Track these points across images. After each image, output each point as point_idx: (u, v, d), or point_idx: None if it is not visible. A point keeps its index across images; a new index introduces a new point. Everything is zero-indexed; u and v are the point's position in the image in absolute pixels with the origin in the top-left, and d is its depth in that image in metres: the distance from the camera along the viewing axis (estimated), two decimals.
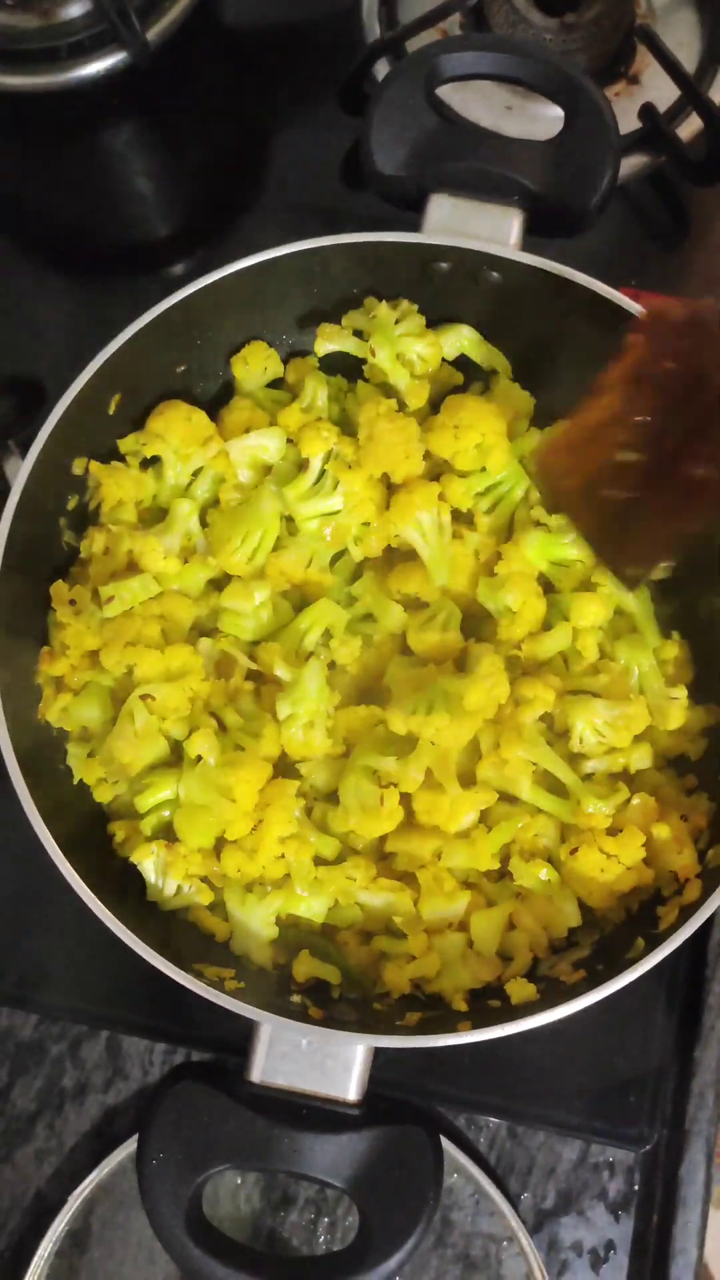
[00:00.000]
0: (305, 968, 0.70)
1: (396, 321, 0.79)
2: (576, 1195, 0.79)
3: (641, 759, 0.72)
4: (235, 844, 0.71)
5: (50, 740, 0.75)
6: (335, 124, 0.99)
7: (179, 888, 0.70)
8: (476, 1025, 0.63)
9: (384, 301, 0.79)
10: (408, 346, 0.78)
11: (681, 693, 0.73)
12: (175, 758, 0.74)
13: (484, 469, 0.75)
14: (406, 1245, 0.60)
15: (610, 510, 0.61)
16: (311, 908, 0.70)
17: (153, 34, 0.95)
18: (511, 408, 0.78)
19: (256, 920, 0.70)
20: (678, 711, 0.72)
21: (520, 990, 0.67)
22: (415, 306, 0.79)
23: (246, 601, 0.75)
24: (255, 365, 0.81)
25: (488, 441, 0.74)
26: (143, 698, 0.72)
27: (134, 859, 0.71)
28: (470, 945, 0.70)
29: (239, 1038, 0.65)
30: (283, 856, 0.70)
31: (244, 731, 0.72)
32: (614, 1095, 0.79)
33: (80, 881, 0.65)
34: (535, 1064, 0.78)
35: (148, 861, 0.70)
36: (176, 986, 0.63)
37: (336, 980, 0.70)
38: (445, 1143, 0.77)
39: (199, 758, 0.71)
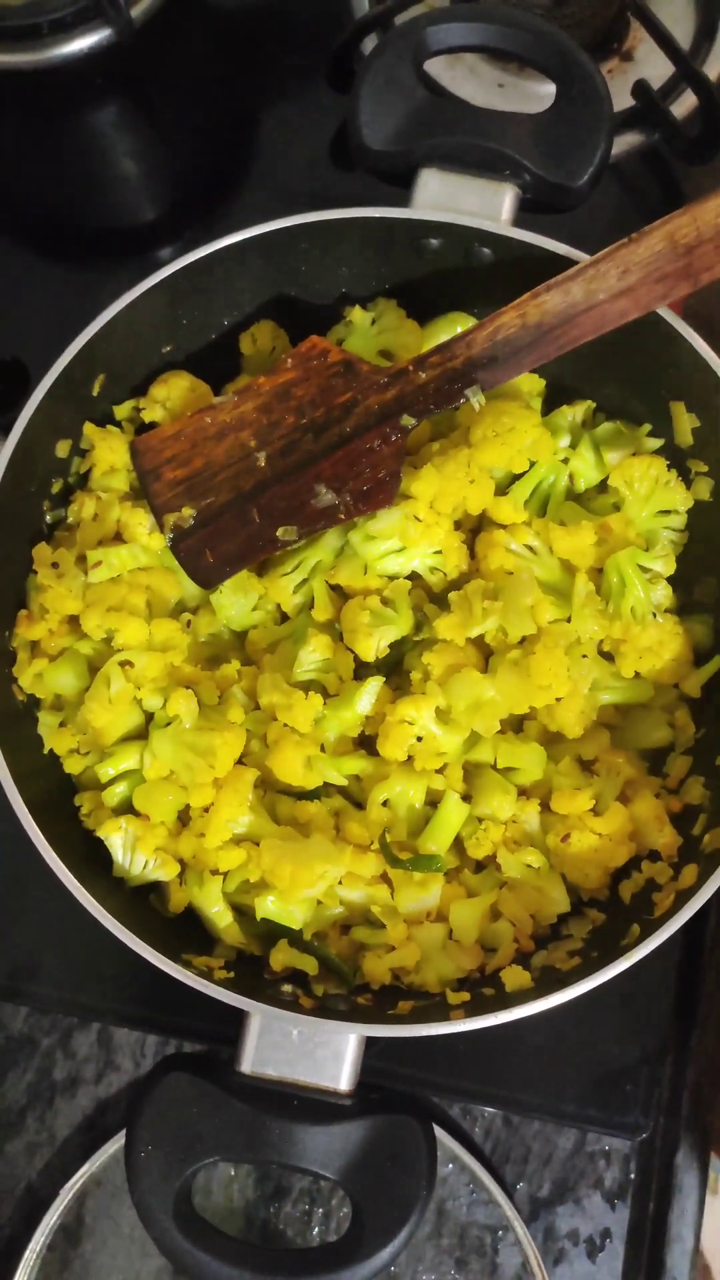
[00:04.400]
0: (283, 957, 0.69)
1: (373, 322, 0.79)
2: (573, 1184, 0.79)
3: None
4: (188, 827, 0.70)
5: (21, 708, 0.74)
6: (323, 102, 0.99)
7: (145, 863, 0.70)
8: (470, 1014, 0.63)
9: (357, 306, 0.79)
10: (389, 340, 0.78)
11: (669, 617, 0.73)
12: (144, 731, 0.73)
13: (532, 465, 0.74)
14: (399, 1237, 0.60)
15: (212, 507, 0.70)
16: (293, 916, 0.69)
17: (137, 11, 0.94)
18: (525, 393, 0.78)
19: (211, 905, 0.70)
20: (670, 639, 0.72)
21: (515, 978, 0.67)
22: (393, 302, 0.79)
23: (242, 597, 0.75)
24: (263, 343, 0.81)
25: (531, 435, 0.73)
26: (121, 664, 0.71)
27: (101, 834, 0.70)
28: (450, 935, 0.70)
29: (231, 1028, 0.64)
30: (238, 845, 0.69)
31: (216, 710, 0.72)
32: (610, 1083, 0.78)
33: (56, 857, 0.64)
34: (530, 1052, 0.78)
35: (115, 837, 0.70)
36: (167, 977, 0.63)
37: (313, 971, 0.69)
38: (440, 1132, 0.77)
39: (170, 721, 0.70)
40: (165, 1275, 0.77)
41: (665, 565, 0.74)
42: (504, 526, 0.74)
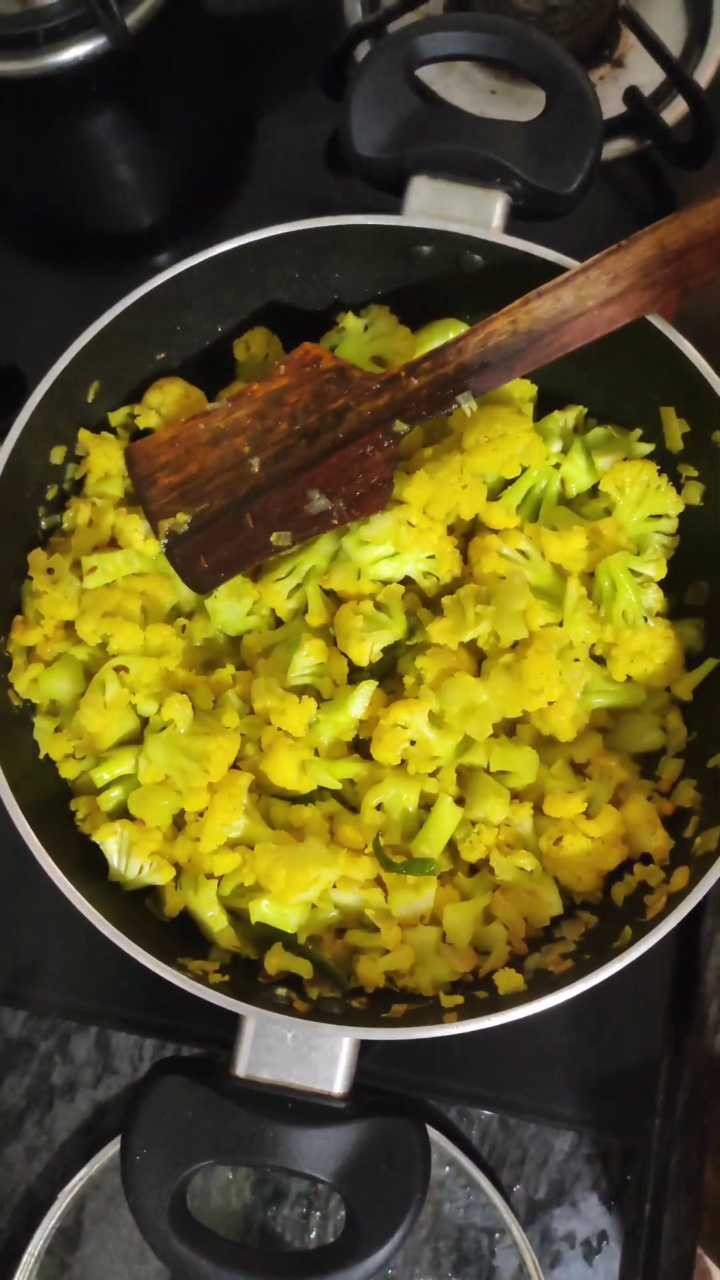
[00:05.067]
0: (277, 960, 0.69)
1: (366, 328, 0.79)
2: (569, 1186, 0.79)
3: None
4: (183, 831, 0.71)
5: (17, 713, 0.74)
6: (318, 109, 0.99)
7: (141, 867, 0.70)
8: (464, 1016, 0.63)
9: (349, 312, 0.80)
10: (382, 347, 0.79)
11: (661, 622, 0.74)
12: (139, 736, 0.73)
13: (524, 470, 0.75)
14: (394, 1239, 0.60)
15: (207, 513, 0.72)
16: (288, 920, 0.69)
17: (132, 19, 0.94)
18: (517, 399, 0.78)
19: (206, 909, 0.70)
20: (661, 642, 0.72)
21: (508, 981, 0.67)
22: (385, 308, 0.80)
23: (236, 602, 0.75)
24: (257, 350, 0.81)
25: (523, 441, 0.73)
26: (116, 669, 0.72)
27: (96, 838, 0.70)
28: (444, 938, 0.70)
29: (227, 1032, 0.64)
30: (233, 849, 0.70)
31: (211, 714, 0.72)
32: (606, 1086, 0.78)
33: (51, 861, 0.64)
34: (526, 1055, 0.78)
35: (111, 841, 0.70)
36: (164, 981, 0.63)
37: (308, 974, 0.69)
38: (437, 1135, 0.77)
39: (165, 726, 0.71)
40: (163, 1279, 0.78)
41: (656, 569, 0.75)
42: (496, 531, 0.75)
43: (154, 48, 0.97)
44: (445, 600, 0.73)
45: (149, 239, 1.01)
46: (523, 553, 0.74)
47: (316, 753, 0.72)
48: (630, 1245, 0.78)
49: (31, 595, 0.74)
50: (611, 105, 0.94)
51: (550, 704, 0.70)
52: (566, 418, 0.79)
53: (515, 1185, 0.79)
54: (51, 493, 0.78)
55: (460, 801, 0.71)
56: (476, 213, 0.73)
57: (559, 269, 0.70)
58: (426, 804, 0.72)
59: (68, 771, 0.74)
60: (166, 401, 0.78)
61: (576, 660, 0.72)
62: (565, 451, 0.77)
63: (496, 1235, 0.77)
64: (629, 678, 0.73)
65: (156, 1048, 0.81)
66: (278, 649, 0.75)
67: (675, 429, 0.75)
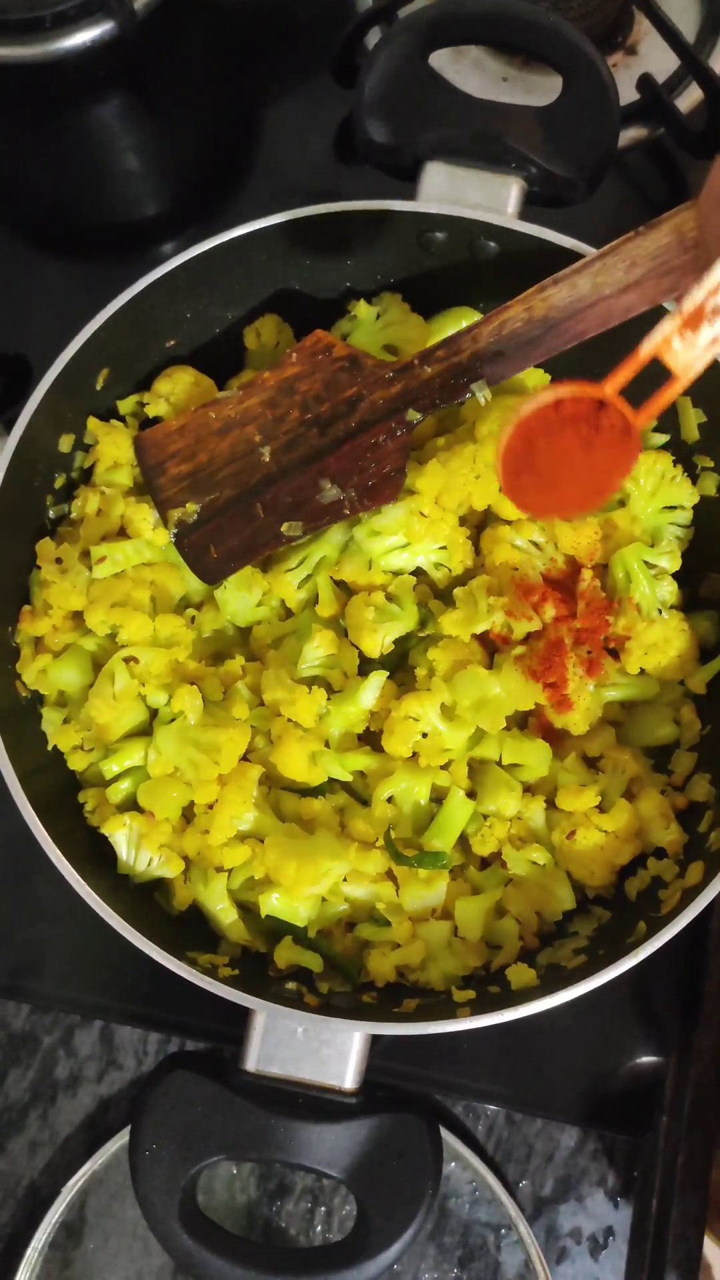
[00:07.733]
0: (287, 954, 0.69)
1: (378, 316, 0.79)
2: (575, 1182, 0.78)
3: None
4: (192, 824, 0.70)
5: (25, 704, 0.74)
6: (328, 97, 0.98)
7: (150, 860, 0.70)
8: (476, 1012, 0.62)
9: (361, 300, 0.79)
10: (394, 335, 0.78)
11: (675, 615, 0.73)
12: (149, 727, 0.73)
13: None
14: (405, 1236, 0.60)
15: (217, 503, 0.72)
16: (298, 914, 0.69)
17: (140, 4, 0.93)
18: (531, 388, 0.78)
19: (215, 902, 0.70)
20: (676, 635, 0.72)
21: (520, 976, 0.66)
22: (398, 296, 0.79)
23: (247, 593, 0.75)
24: (268, 338, 0.81)
25: None
26: (126, 660, 0.71)
27: (105, 830, 0.70)
28: (455, 933, 0.70)
29: (236, 1026, 0.64)
30: (243, 842, 0.69)
31: (220, 706, 0.72)
32: (613, 1081, 0.78)
33: (59, 854, 0.64)
34: (534, 1051, 0.78)
35: (120, 834, 0.70)
36: (170, 974, 0.62)
37: (318, 968, 0.69)
38: (443, 1131, 0.76)
39: (175, 717, 0.70)
40: (167, 1273, 0.77)
41: (671, 561, 0.74)
42: (509, 522, 0.74)
43: (162, 34, 0.96)
44: (457, 591, 0.72)
45: (156, 227, 1.00)
46: (535, 544, 0.73)
47: (327, 745, 0.72)
48: (637, 1241, 0.78)
49: (40, 585, 0.74)
50: (625, 93, 0.93)
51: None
52: None
53: (521, 1181, 0.79)
54: (60, 481, 0.77)
55: (472, 795, 0.71)
56: (491, 198, 0.73)
57: (575, 256, 0.70)
58: (438, 797, 0.71)
59: (76, 763, 0.73)
60: (176, 390, 0.77)
61: (589, 653, 0.71)
62: None
63: (502, 1231, 0.77)
64: (642, 671, 0.73)
65: (161, 1042, 0.81)
66: (288, 640, 0.75)
67: (691, 419, 0.74)
